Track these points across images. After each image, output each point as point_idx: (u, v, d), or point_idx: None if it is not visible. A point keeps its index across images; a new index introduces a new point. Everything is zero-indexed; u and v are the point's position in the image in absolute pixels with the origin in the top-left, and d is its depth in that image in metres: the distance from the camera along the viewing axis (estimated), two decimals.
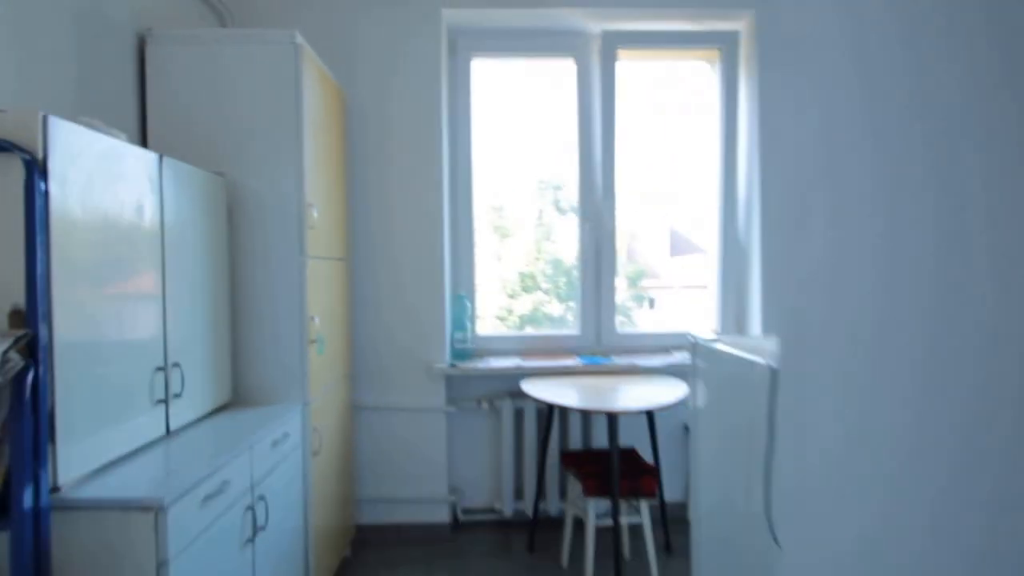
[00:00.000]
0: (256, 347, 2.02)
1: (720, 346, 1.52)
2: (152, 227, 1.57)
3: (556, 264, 3.03)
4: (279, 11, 2.57)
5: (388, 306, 2.70)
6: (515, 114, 3.03)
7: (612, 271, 2.89)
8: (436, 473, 2.72)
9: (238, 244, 1.99)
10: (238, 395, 2.02)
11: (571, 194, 3.01)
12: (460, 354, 2.74)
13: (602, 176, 2.85)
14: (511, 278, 3.09)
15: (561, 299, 3.06)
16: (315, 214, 2.06)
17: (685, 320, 3.38)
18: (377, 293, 2.70)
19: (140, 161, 1.53)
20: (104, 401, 1.37)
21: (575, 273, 3.00)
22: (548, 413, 2.57)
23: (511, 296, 3.07)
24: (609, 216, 2.86)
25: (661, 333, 2.97)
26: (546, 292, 3.05)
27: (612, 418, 2.18)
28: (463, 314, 2.75)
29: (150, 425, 1.56)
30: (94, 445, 1.33)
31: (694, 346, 1.68)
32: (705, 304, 3.14)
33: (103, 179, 1.38)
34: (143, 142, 1.95)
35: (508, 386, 2.74)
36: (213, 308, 1.88)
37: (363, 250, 2.69)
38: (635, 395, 2.33)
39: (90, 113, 1.49)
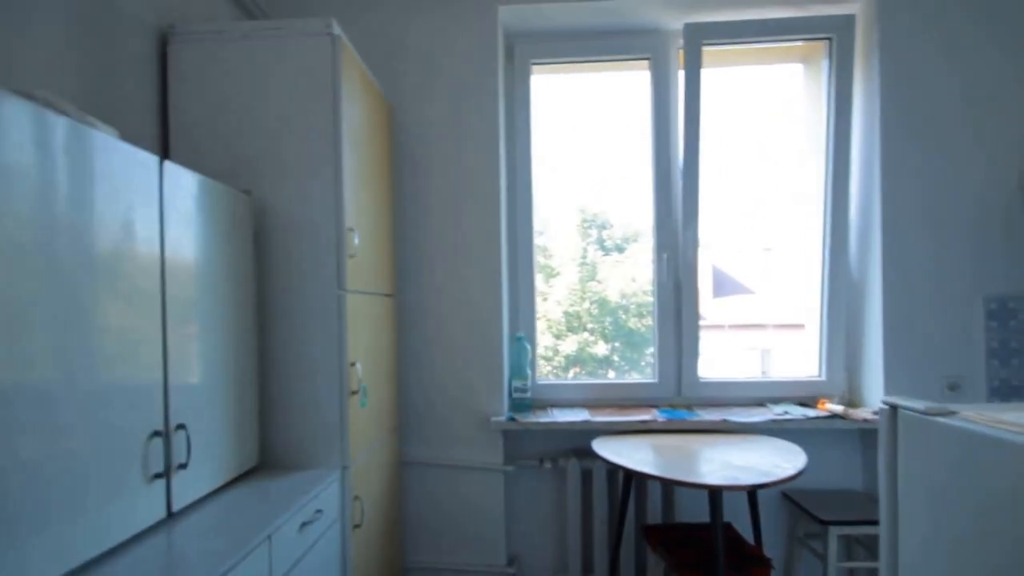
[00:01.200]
0: (287, 400, 1.69)
1: (973, 425, 1.05)
2: (147, 250, 1.25)
3: (602, 304, 2.65)
4: (317, 15, 2.31)
5: (440, 349, 2.35)
6: (561, 142, 2.68)
7: (694, 309, 2.46)
8: (493, 540, 2.31)
9: (266, 275, 1.68)
10: (267, 457, 1.68)
11: (617, 232, 2.71)
12: (519, 405, 2.36)
13: (683, 197, 2.45)
14: (556, 318, 2.72)
15: (607, 339, 2.66)
16: (356, 241, 1.74)
17: (777, 366, 2.93)
18: (428, 334, 2.36)
19: (130, 162, 1.20)
20: (68, 486, 1.02)
21: (621, 314, 2.66)
22: (624, 477, 2.15)
23: (557, 336, 2.69)
24: (691, 245, 2.45)
25: (753, 381, 2.51)
26: (591, 332, 2.66)
27: (715, 495, 1.74)
28: (522, 358, 2.37)
29: (144, 508, 1.22)
30: (52, 547, 0.98)
31: (893, 415, 1.23)
32: (800, 346, 2.69)
33: (68, 180, 1.03)
34: (164, 155, 1.68)
35: (574, 443, 2.34)
36: (235, 353, 1.56)
37: (412, 285, 2.36)
38: (737, 461, 1.87)
39: (107, 123, 1.20)
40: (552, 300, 2.73)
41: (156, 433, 1.26)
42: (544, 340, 2.68)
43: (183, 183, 1.38)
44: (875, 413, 2.23)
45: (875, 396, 2.32)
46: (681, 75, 2.43)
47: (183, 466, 1.33)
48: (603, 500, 2.27)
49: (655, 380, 2.48)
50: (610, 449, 2.02)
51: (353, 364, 1.70)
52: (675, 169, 2.50)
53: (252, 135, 1.69)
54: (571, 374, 2.70)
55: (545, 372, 2.66)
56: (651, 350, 2.57)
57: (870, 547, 2.18)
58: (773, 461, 1.86)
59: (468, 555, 2.31)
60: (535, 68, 2.52)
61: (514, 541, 2.39)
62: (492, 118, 2.35)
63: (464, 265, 2.35)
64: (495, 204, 2.35)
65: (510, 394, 2.37)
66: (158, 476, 1.26)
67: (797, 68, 2.59)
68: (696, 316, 2.47)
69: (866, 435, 2.34)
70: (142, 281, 1.24)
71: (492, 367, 2.32)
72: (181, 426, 1.33)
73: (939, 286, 2.25)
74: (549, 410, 2.38)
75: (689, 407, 2.41)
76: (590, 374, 2.70)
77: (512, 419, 2.24)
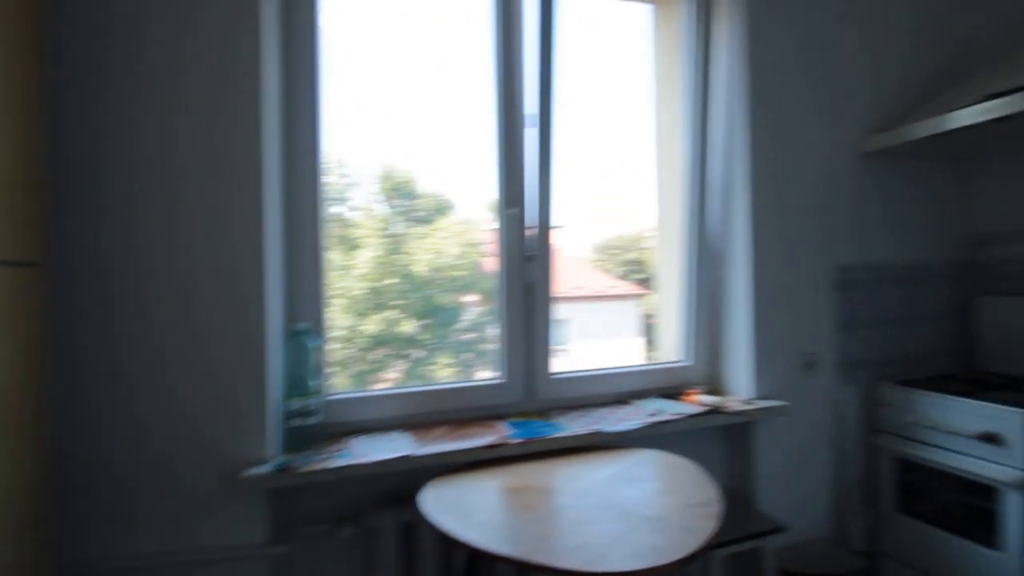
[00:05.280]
0: None
1: None
2: None
3: (409, 279, 1.97)
4: None
5: (146, 357, 1.33)
6: (363, 73, 1.82)
7: (547, 288, 1.85)
8: None
9: None
10: None
11: (424, 203, 2.05)
12: (300, 438, 1.48)
13: (539, 143, 1.79)
14: (357, 295, 1.94)
15: (415, 317, 1.99)
16: None
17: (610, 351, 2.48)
18: (119, 331, 1.32)
19: None
20: None
21: (430, 289, 2.00)
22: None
23: (360, 315, 1.91)
24: (546, 200, 1.82)
25: (611, 373, 1.99)
26: (397, 309, 1.98)
27: None
28: (304, 364, 1.49)
29: None
30: None
31: None
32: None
33: None
34: None
35: (391, 486, 1.55)
36: None
37: (84, 248, 1.30)
38: (632, 503, 1.28)
39: None
40: (353, 275, 1.91)
41: None
42: (344, 320, 1.83)
43: None
44: (747, 402, 1.89)
45: (741, 381, 1.99)
46: None
47: None
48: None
49: (502, 380, 1.81)
50: (446, 504, 1.29)
51: None
52: (521, 107, 1.82)
53: None
54: (376, 355, 1.92)
55: (341, 356, 1.81)
56: (459, 325, 2.00)
57: (749, 563, 1.83)
58: (678, 498, 1.32)
59: None
60: None
61: None
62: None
63: (193, 215, 1.37)
64: (253, 120, 1.41)
65: (284, 422, 1.48)
66: None
67: (641, 12, 2.11)
68: (549, 295, 1.85)
69: (729, 427, 2.00)
70: None
71: (248, 383, 1.39)
72: None
73: (795, 257, 2.02)
74: (348, 441, 1.55)
75: (545, 414, 1.80)
76: (399, 356, 1.94)
77: (283, 467, 1.35)
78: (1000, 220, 2.18)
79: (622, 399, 1.96)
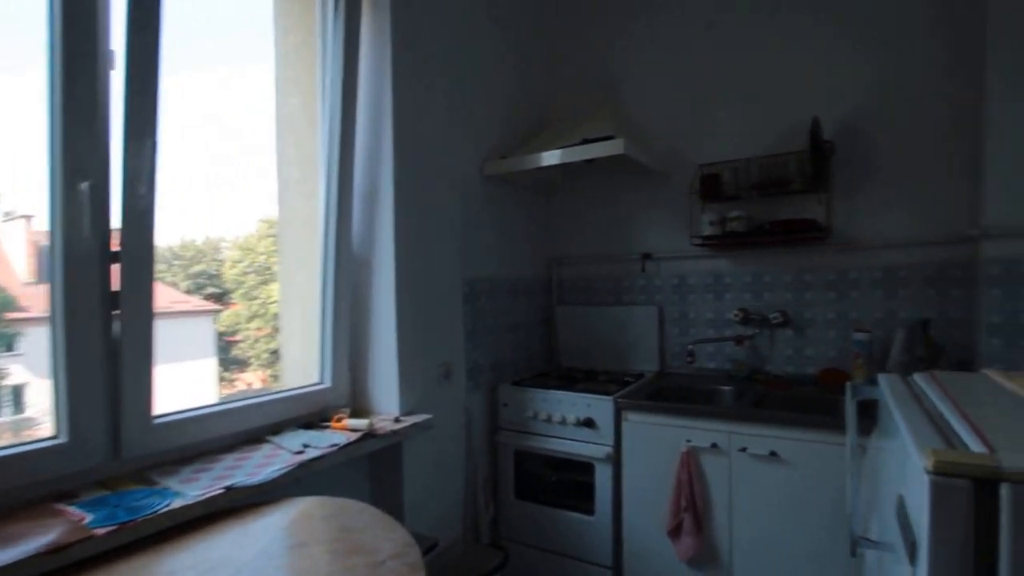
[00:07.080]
0: None
1: None
2: None
3: None
4: None
5: None
6: None
7: (146, 297, 1.33)
8: None
9: None
10: None
11: None
12: None
13: (127, 91, 1.26)
14: None
15: None
16: None
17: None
18: None
19: None
20: None
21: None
22: None
23: None
24: (144, 172, 1.30)
25: (234, 407, 1.58)
26: None
27: None
28: None
29: None
30: None
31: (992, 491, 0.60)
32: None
33: None
34: None
35: None
36: None
37: None
38: None
39: None
40: None
41: None
42: None
43: None
44: (396, 420, 1.79)
45: (386, 398, 1.89)
46: None
47: None
48: None
49: (63, 439, 1.18)
50: None
51: None
52: (101, 38, 1.26)
53: None
54: None
55: None
56: None
57: None
58: (367, 556, 1.08)
59: None
60: None
61: None
62: None
63: None
64: None
65: None
66: None
67: None
68: (151, 308, 1.33)
69: (377, 449, 1.87)
70: None
71: None
72: None
73: (433, 268, 2.07)
74: None
75: (144, 477, 1.27)
76: None
77: None
78: (570, 246, 2.74)
79: (255, 438, 1.57)
